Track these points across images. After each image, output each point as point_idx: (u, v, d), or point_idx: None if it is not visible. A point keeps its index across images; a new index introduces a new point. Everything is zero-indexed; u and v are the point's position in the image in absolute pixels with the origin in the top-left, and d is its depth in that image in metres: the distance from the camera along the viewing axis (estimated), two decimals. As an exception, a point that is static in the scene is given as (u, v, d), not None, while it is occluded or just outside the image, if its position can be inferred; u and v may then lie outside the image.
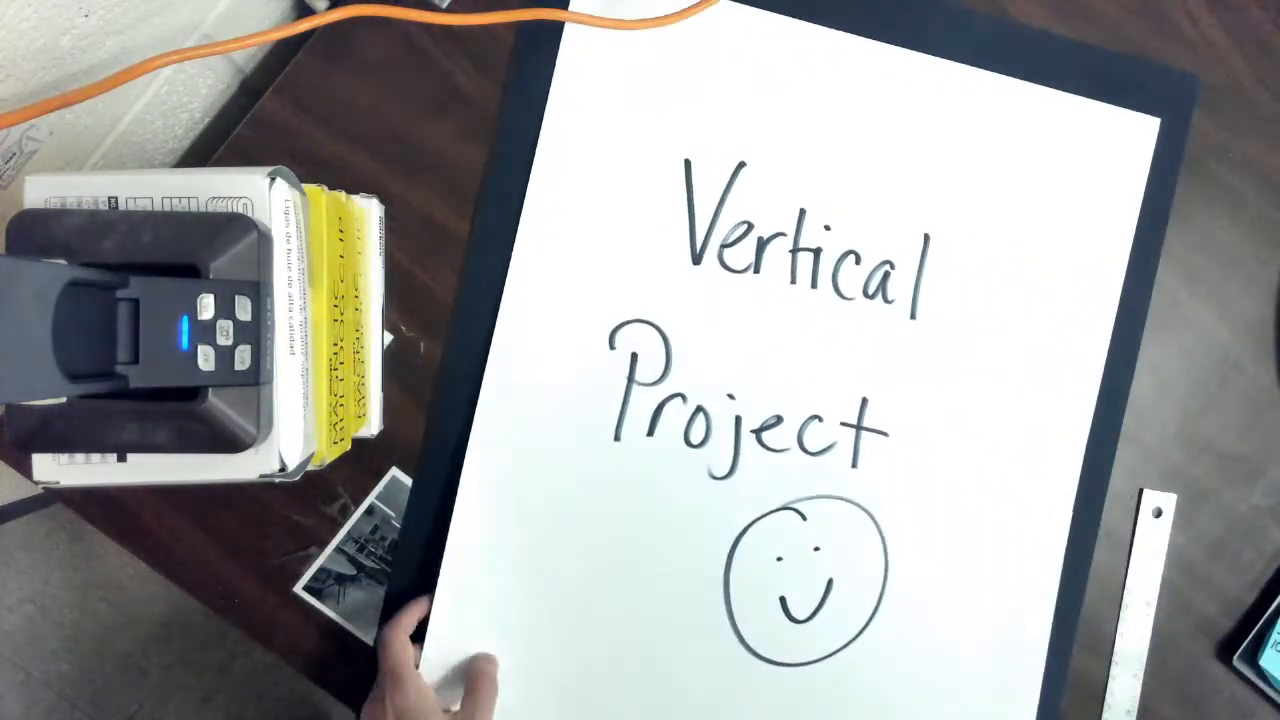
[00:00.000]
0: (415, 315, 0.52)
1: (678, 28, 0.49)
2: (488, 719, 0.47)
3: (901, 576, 0.51)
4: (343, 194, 0.46)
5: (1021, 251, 0.52)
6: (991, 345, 0.52)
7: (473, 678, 0.48)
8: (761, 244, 0.51)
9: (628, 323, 0.51)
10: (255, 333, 0.35)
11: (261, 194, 0.36)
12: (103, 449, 0.35)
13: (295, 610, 0.51)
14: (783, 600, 0.51)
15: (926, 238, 0.52)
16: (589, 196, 0.51)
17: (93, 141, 0.48)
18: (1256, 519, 0.53)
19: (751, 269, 0.51)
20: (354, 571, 0.51)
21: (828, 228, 0.52)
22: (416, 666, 0.48)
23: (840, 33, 0.52)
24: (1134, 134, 0.52)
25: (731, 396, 0.51)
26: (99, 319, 0.31)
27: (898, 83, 0.52)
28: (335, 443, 0.43)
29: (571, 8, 0.52)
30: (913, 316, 0.52)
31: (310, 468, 0.39)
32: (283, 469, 0.37)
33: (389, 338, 0.52)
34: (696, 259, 0.51)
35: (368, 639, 0.51)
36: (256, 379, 0.35)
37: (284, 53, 0.58)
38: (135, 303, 0.32)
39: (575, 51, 0.52)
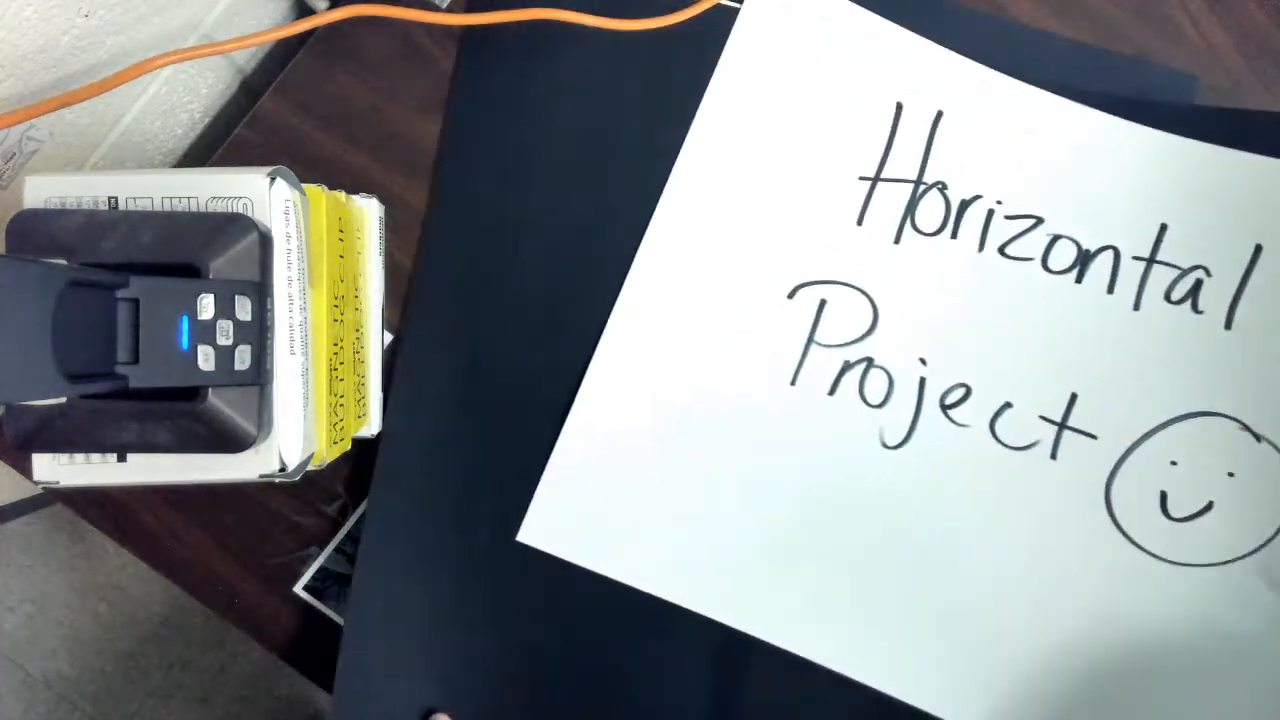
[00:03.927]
0: (415, 315, 0.52)
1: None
2: None
3: None
4: (343, 194, 0.46)
5: None
6: None
7: None
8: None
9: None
10: (255, 333, 0.35)
11: (261, 194, 0.36)
12: (103, 449, 0.35)
13: (295, 610, 0.51)
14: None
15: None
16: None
17: (93, 141, 0.48)
18: (1256, 519, 0.53)
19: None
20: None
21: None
22: None
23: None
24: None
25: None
26: (99, 319, 0.31)
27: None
28: (335, 443, 0.43)
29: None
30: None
31: (310, 468, 0.39)
32: (283, 469, 0.37)
33: (389, 338, 0.52)
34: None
35: (368, 639, 0.51)
36: (257, 379, 0.35)
37: (284, 53, 0.58)
38: (135, 303, 0.32)
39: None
